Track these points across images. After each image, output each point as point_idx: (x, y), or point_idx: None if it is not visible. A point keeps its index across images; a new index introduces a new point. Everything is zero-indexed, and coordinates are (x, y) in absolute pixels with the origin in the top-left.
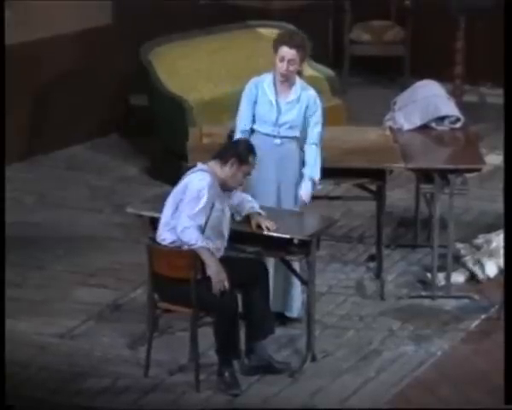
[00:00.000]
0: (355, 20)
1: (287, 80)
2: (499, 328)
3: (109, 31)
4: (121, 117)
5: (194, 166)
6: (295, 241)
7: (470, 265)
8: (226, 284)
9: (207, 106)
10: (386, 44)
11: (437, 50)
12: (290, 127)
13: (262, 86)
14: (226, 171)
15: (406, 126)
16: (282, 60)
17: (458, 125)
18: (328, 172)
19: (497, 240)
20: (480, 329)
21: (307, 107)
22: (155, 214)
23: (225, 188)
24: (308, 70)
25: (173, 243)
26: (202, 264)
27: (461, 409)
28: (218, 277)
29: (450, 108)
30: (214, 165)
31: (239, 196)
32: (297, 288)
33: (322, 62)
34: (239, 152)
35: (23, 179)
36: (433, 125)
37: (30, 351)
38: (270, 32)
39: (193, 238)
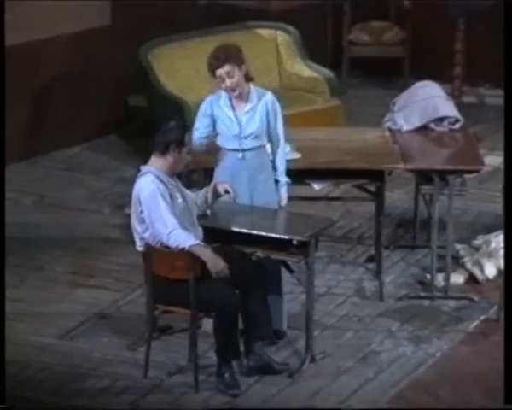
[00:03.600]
0: (354, 20)
1: (239, 94)
2: (498, 329)
3: (108, 32)
4: (120, 118)
5: (194, 168)
6: (294, 242)
7: (469, 266)
8: (226, 271)
9: None
10: (386, 45)
11: (436, 51)
12: (255, 137)
13: (218, 104)
14: (169, 159)
15: (405, 127)
16: (222, 81)
17: (457, 126)
18: (327, 173)
19: (497, 241)
20: (479, 330)
21: (267, 112)
22: None
23: (175, 174)
24: (307, 71)
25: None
26: (201, 264)
27: (460, 409)
28: (216, 267)
29: (449, 108)
30: (154, 161)
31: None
32: (284, 301)
33: (321, 63)
34: (175, 137)
35: (22, 180)
36: (433, 126)
37: (29, 352)
38: (268, 33)
39: (181, 241)
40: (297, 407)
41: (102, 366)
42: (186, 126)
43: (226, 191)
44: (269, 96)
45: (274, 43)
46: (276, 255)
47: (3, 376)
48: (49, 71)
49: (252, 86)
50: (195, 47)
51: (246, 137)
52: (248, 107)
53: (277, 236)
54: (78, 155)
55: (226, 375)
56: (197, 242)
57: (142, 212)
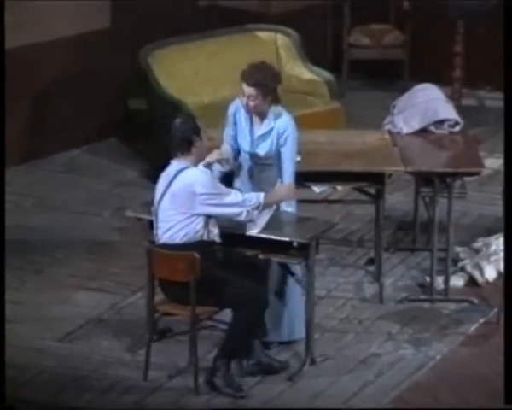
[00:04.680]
0: (354, 23)
1: (256, 113)
2: (498, 332)
3: (108, 34)
4: (120, 120)
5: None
6: (294, 244)
7: (469, 268)
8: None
9: (206, 109)
10: (386, 48)
11: (436, 54)
12: (265, 158)
13: (240, 111)
14: (195, 152)
15: (405, 130)
16: (243, 95)
17: (457, 128)
18: (327, 176)
19: (496, 244)
20: (479, 332)
21: (279, 134)
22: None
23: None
24: (307, 74)
25: (186, 235)
26: (202, 267)
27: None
28: (289, 195)
29: (449, 111)
30: (184, 159)
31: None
32: (300, 308)
33: (321, 66)
34: (191, 128)
35: (22, 183)
36: (432, 128)
37: (29, 355)
38: (268, 35)
39: (255, 201)
40: (298, 408)
41: (102, 369)
42: (192, 115)
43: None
44: (284, 119)
45: (274, 45)
46: (276, 258)
47: (3, 376)
48: (49, 74)
49: (272, 108)
50: (195, 49)
51: (256, 155)
52: (264, 129)
53: (278, 238)
54: (79, 157)
55: (230, 376)
56: (263, 194)
57: (194, 200)
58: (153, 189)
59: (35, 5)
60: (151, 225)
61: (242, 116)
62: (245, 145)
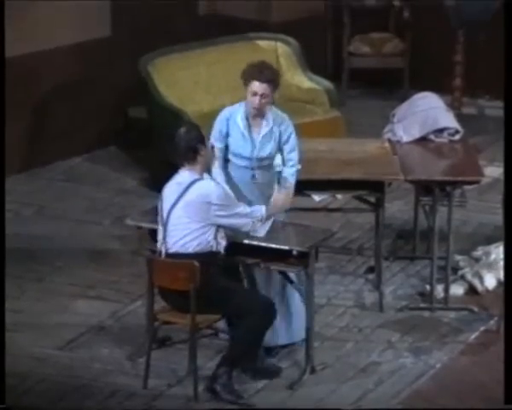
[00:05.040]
0: (354, 32)
1: (260, 114)
2: (498, 340)
3: (108, 43)
4: (120, 129)
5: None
6: (294, 252)
7: (469, 277)
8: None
9: (206, 118)
10: (385, 57)
11: (436, 63)
12: (267, 158)
13: (234, 119)
14: (201, 160)
15: (405, 138)
16: (254, 94)
17: (457, 137)
18: (326, 184)
19: (496, 252)
20: (480, 341)
21: (280, 134)
22: (155, 226)
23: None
24: (307, 82)
25: (199, 245)
26: (202, 275)
27: (460, 409)
28: (286, 205)
29: (449, 120)
30: (191, 169)
31: None
32: (301, 313)
33: (321, 74)
34: (196, 137)
35: (22, 191)
36: (432, 137)
37: (29, 363)
38: (268, 44)
39: (259, 213)
40: (298, 408)
41: (103, 377)
42: (196, 125)
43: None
44: (282, 115)
45: (274, 54)
46: (276, 266)
47: (3, 377)
48: (49, 82)
49: (268, 107)
50: (195, 58)
51: (257, 159)
52: (265, 130)
53: (277, 246)
54: (79, 166)
55: (231, 384)
56: (264, 207)
57: (207, 210)
58: (153, 197)
59: (35, 14)
60: (151, 233)
61: (240, 122)
62: (245, 151)
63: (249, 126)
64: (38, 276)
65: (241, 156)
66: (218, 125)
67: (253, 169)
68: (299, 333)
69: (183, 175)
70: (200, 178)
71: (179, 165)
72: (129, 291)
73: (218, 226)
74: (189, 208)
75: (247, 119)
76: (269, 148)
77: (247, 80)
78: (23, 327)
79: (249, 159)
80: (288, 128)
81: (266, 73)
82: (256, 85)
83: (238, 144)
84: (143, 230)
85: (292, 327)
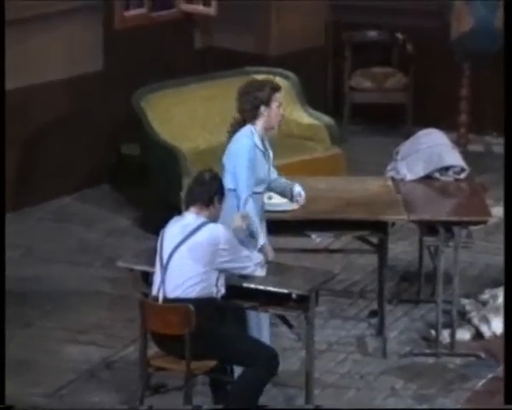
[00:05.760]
0: (355, 66)
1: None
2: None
3: (100, 77)
4: (112, 167)
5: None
6: (293, 295)
7: (476, 321)
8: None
9: (202, 156)
10: (388, 92)
11: (440, 98)
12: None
13: (257, 146)
14: (212, 211)
15: (409, 177)
16: (279, 106)
17: (463, 175)
18: (327, 224)
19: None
20: (487, 388)
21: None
22: (148, 269)
23: None
24: (306, 118)
25: (203, 290)
26: (198, 319)
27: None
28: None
29: (454, 157)
30: (199, 212)
31: None
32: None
33: (321, 110)
34: (219, 188)
35: (10, 232)
36: (437, 175)
37: None
38: (267, 78)
39: (259, 260)
40: (299, 408)
41: None
42: (217, 175)
43: None
44: None
45: None
46: (273, 310)
47: (3, 377)
48: (39, 118)
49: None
50: (191, 93)
51: (267, 183)
52: (269, 148)
53: (276, 289)
54: (69, 205)
55: None
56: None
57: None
58: (147, 238)
59: (24, 47)
60: (144, 276)
61: (259, 144)
62: (264, 174)
63: (265, 148)
64: (27, 320)
65: (263, 181)
66: (252, 156)
67: (263, 193)
68: None
69: (189, 217)
70: (209, 221)
71: (187, 206)
72: (121, 336)
73: (220, 271)
74: (196, 251)
75: (261, 139)
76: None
77: (270, 96)
78: (10, 374)
79: (265, 181)
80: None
81: (275, 82)
82: (279, 96)
83: (263, 169)
84: (136, 272)
85: None
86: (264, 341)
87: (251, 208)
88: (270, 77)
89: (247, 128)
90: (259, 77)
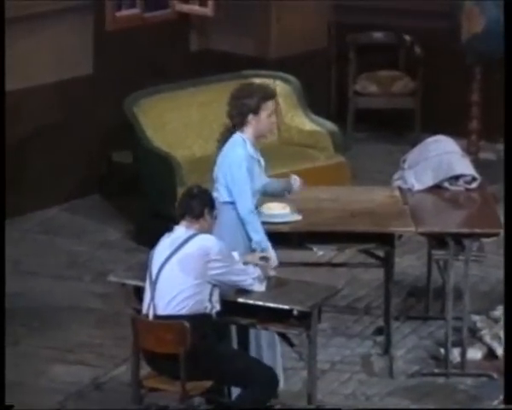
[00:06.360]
0: (360, 69)
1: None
2: None
3: (90, 81)
4: (103, 176)
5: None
6: (295, 312)
7: (488, 339)
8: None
9: (198, 164)
10: (395, 96)
11: (450, 103)
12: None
13: (252, 155)
14: (203, 224)
15: (417, 186)
16: (270, 115)
17: (474, 185)
18: (330, 237)
19: None
20: None
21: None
22: (140, 283)
23: None
24: (308, 124)
25: (195, 305)
26: (193, 337)
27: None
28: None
29: (464, 166)
30: (188, 226)
31: None
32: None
33: (324, 116)
34: (208, 205)
35: None
36: (447, 185)
37: None
38: (266, 82)
39: (256, 275)
40: (298, 407)
41: None
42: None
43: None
44: None
45: None
46: (274, 327)
47: (3, 377)
48: (26, 124)
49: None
50: (186, 98)
51: (260, 189)
52: (260, 156)
53: (276, 305)
54: (57, 216)
55: None
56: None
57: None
58: (139, 251)
59: (11, 50)
60: (136, 291)
61: (253, 152)
62: (260, 184)
63: (257, 153)
64: (13, 338)
65: (257, 192)
66: (250, 167)
67: (257, 203)
68: None
69: (179, 231)
70: (199, 233)
71: (177, 220)
72: (112, 355)
73: (214, 286)
74: (186, 262)
75: (253, 147)
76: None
77: (259, 105)
78: None
79: (259, 192)
80: None
81: (270, 89)
82: (271, 104)
83: (257, 180)
84: (128, 287)
85: None
86: (267, 360)
87: (255, 221)
88: (266, 82)
89: (238, 137)
90: (259, 80)
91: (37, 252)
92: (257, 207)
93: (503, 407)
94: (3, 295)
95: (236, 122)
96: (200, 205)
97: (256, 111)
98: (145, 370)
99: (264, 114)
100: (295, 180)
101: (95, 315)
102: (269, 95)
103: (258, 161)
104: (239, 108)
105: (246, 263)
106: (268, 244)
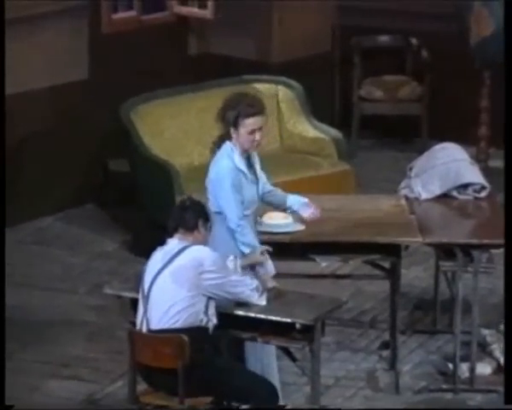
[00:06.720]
0: (365, 74)
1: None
2: None
3: (86, 86)
4: (98, 184)
5: None
6: (297, 325)
7: (497, 354)
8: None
9: (197, 172)
10: (401, 102)
11: (458, 109)
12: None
13: (240, 168)
14: (197, 236)
15: (424, 195)
16: (251, 133)
17: (483, 193)
18: (334, 247)
19: None
20: None
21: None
22: (137, 295)
23: None
24: (311, 131)
25: (190, 317)
26: (192, 351)
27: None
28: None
29: (473, 174)
30: (183, 238)
31: None
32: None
33: (328, 122)
34: (203, 216)
35: None
36: (455, 193)
37: None
38: (268, 87)
39: (254, 286)
40: (304, 408)
41: None
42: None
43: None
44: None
45: (274, 99)
46: (275, 341)
47: (3, 377)
48: (20, 130)
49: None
50: (185, 104)
51: (259, 196)
52: (256, 164)
53: (277, 318)
54: (51, 226)
55: None
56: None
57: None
58: (136, 262)
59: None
60: (133, 303)
61: (240, 163)
62: (252, 195)
63: (251, 166)
64: (5, 352)
65: (254, 202)
66: (235, 181)
67: (255, 211)
68: None
69: (172, 243)
70: (192, 244)
71: (171, 233)
72: (108, 370)
73: (209, 298)
74: (179, 274)
75: (246, 158)
76: (263, 183)
77: (237, 121)
78: None
79: (254, 202)
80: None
81: (256, 104)
82: (251, 122)
83: (248, 188)
84: (124, 299)
85: None
86: (266, 375)
87: (246, 234)
88: (256, 96)
89: (227, 146)
90: (260, 86)
91: (30, 263)
92: (256, 217)
93: (503, 407)
94: (4, 296)
95: (224, 131)
96: (193, 217)
97: (235, 125)
98: (142, 385)
99: (242, 131)
100: (305, 206)
101: (90, 329)
102: (250, 112)
103: (248, 172)
104: (222, 118)
105: (246, 266)
106: (258, 245)
